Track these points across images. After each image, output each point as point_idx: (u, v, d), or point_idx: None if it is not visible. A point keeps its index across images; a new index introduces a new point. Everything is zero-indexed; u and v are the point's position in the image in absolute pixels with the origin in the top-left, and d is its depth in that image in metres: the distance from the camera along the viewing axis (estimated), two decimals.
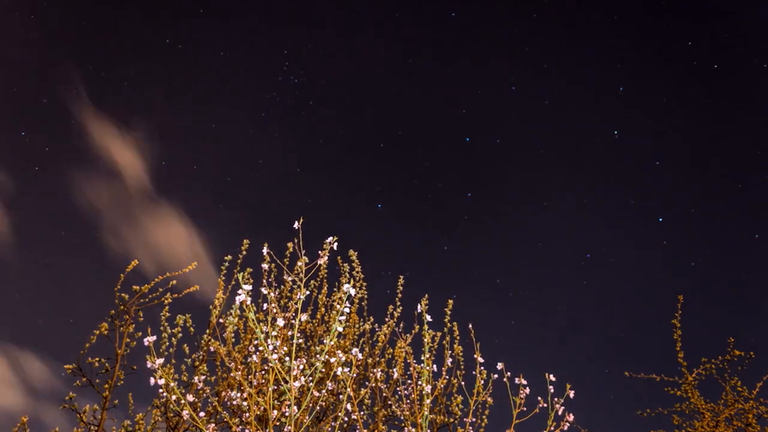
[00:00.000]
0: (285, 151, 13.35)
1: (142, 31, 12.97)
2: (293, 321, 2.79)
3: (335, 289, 4.19)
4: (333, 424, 3.75)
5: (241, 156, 13.27)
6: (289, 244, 3.87)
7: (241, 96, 13.21)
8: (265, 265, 3.00)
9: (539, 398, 2.80)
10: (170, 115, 13.09)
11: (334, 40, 13.24)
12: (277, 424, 2.83)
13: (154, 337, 2.53)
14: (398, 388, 3.83)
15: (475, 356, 2.94)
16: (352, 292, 2.74)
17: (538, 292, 12.77)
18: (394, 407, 3.83)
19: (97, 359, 3.62)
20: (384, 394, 3.99)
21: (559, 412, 2.77)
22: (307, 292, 2.66)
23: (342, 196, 13.49)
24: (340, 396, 3.78)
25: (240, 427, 3.12)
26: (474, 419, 3.16)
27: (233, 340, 3.71)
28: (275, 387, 2.75)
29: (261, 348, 2.85)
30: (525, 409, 2.81)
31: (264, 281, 2.93)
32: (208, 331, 3.92)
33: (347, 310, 2.74)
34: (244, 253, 3.91)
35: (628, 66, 12.35)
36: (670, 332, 5.28)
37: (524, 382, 2.82)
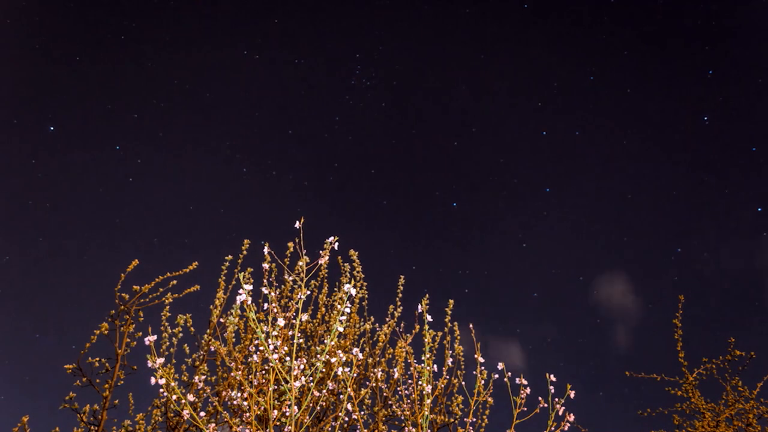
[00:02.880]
0: (361, 153, 13.53)
1: (222, 42, 13.23)
2: (294, 321, 2.79)
3: (336, 289, 4.19)
4: (333, 424, 3.74)
5: (320, 159, 13.44)
6: (290, 244, 3.87)
7: (316, 100, 13.38)
8: (265, 265, 3.00)
9: (540, 398, 2.80)
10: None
11: (404, 40, 13.36)
12: (278, 424, 2.82)
13: (155, 337, 2.52)
14: (399, 388, 3.83)
15: (476, 356, 2.94)
16: (353, 292, 2.74)
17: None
18: (394, 407, 3.82)
19: (97, 359, 3.62)
20: (384, 394, 3.99)
21: (560, 412, 2.77)
22: (308, 292, 2.66)
23: (421, 193, 13.65)
24: (341, 396, 3.78)
25: (240, 426, 3.12)
26: (474, 419, 3.16)
27: (234, 339, 3.71)
28: (276, 387, 2.75)
29: (261, 348, 2.85)
30: (525, 409, 2.81)
31: (264, 281, 2.93)
32: (208, 330, 3.92)
33: (348, 310, 2.74)
34: (245, 252, 3.91)
35: (717, 49, 12.22)
36: (671, 332, 5.27)
37: (525, 382, 2.82)
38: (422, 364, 3.01)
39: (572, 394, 2.77)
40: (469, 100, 13.62)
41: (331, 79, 13.54)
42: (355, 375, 3.76)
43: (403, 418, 3.74)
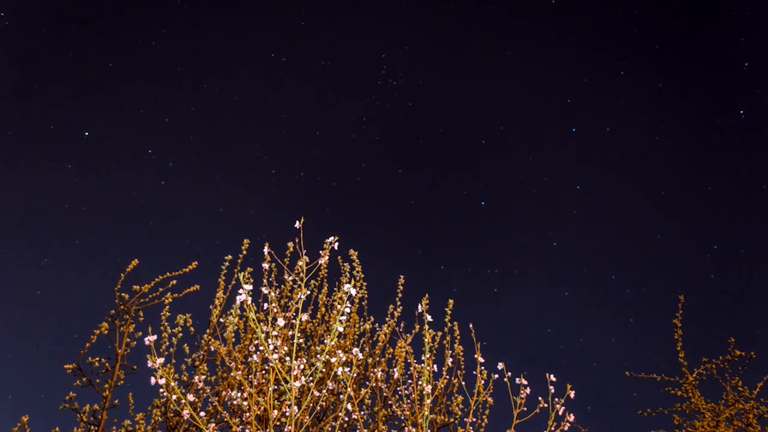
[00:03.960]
0: (388, 153, 13.65)
1: (250, 46, 13.37)
2: (294, 321, 2.79)
3: (336, 289, 4.19)
4: (333, 423, 3.74)
5: (347, 160, 13.57)
6: (290, 244, 3.87)
7: (343, 101, 13.46)
8: (265, 265, 3.00)
9: (540, 398, 2.80)
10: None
11: (430, 39, 13.40)
12: (278, 424, 2.82)
13: (155, 337, 2.52)
14: (398, 388, 3.83)
15: (476, 356, 2.94)
16: (353, 292, 2.74)
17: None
18: (394, 407, 3.82)
19: (97, 359, 3.62)
20: (384, 394, 3.99)
21: (560, 412, 2.77)
22: (308, 292, 2.66)
23: (449, 193, 13.66)
24: (341, 396, 3.78)
25: (240, 426, 3.12)
26: (474, 419, 3.16)
27: (234, 339, 3.71)
28: (275, 387, 2.75)
29: (261, 348, 2.85)
30: (525, 409, 2.81)
31: (264, 281, 2.93)
32: (208, 330, 3.92)
33: (348, 309, 2.74)
34: (245, 252, 3.91)
35: (753, 40, 12.01)
36: (671, 332, 5.28)
37: (525, 382, 2.82)
38: (422, 364, 3.01)
39: (572, 394, 2.77)
40: (497, 98, 13.56)
41: (357, 79, 13.59)
42: (355, 375, 3.76)
43: (403, 418, 3.74)
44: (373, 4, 13.65)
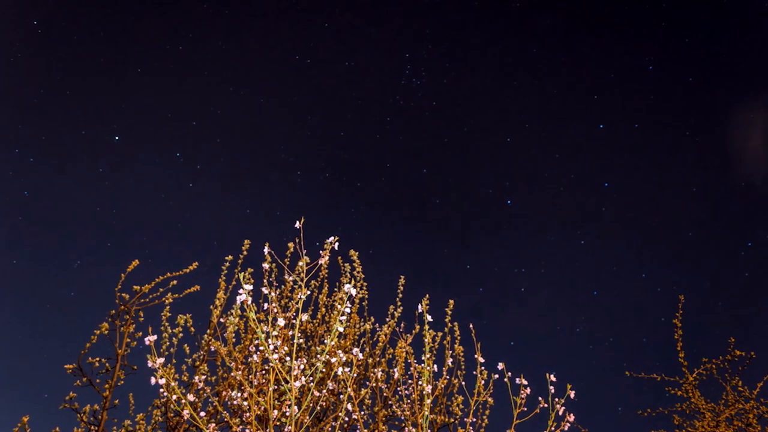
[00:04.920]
0: (411, 154, 13.65)
1: (275, 49, 13.43)
2: (294, 321, 2.79)
3: (336, 289, 4.19)
4: (333, 424, 3.74)
5: (372, 160, 13.63)
6: (290, 244, 3.87)
7: (367, 102, 13.52)
8: (265, 265, 3.00)
9: (540, 398, 2.80)
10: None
11: (453, 38, 13.37)
12: (278, 424, 2.82)
13: (155, 337, 2.53)
14: (399, 388, 3.83)
15: (476, 356, 2.94)
16: (353, 292, 2.74)
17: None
18: (394, 407, 3.83)
19: (97, 359, 3.62)
20: (384, 394, 3.99)
21: (560, 413, 2.77)
22: (308, 292, 2.66)
23: (474, 192, 13.57)
24: (341, 396, 3.78)
25: (240, 427, 3.12)
26: (474, 419, 3.16)
27: (234, 340, 3.71)
28: (276, 387, 2.75)
29: (262, 348, 2.85)
30: (525, 409, 2.81)
31: (265, 281, 2.93)
32: (208, 330, 3.92)
33: (348, 310, 2.74)
34: (245, 253, 3.91)
35: None
36: (671, 332, 5.28)
37: (525, 382, 2.82)
38: (422, 364, 3.01)
39: (572, 394, 2.77)
40: (522, 95, 13.41)
41: (381, 80, 13.57)
42: (355, 375, 3.76)
43: (403, 418, 3.74)
44: (396, 4, 13.64)
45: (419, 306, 3.02)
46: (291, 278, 2.86)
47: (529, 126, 13.27)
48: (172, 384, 2.59)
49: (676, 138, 12.83)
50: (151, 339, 2.50)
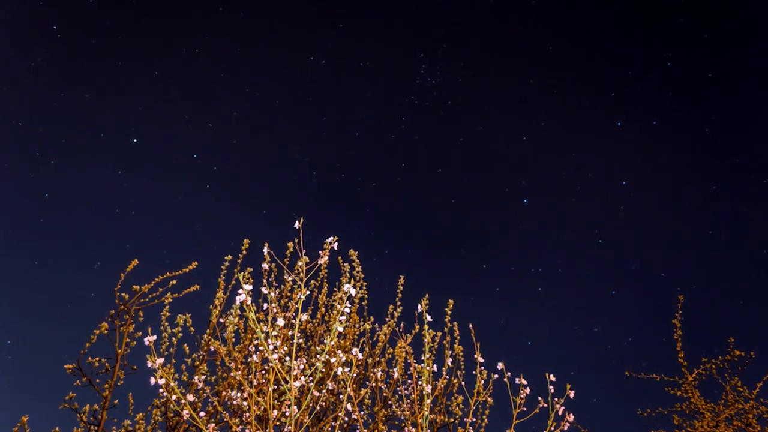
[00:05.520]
0: (428, 152, 13.62)
1: (290, 50, 13.47)
2: (293, 321, 2.79)
3: (335, 289, 4.19)
4: (333, 424, 3.74)
5: (387, 160, 13.60)
6: (290, 244, 3.87)
7: (382, 102, 13.52)
8: (265, 265, 3.00)
9: (539, 398, 2.80)
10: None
11: (468, 36, 13.29)
12: (277, 424, 2.82)
13: (155, 337, 2.52)
14: (398, 388, 3.83)
15: (476, 356, 2.94)
16: (353, 292, 2.74)
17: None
18: (394, 407, 3.82)
19: (97, 359, 3.62)
20: (384, 394, 3.99)
21: (560, 412, 2.77)
22: (308, 292, 2.66)
23: (490, 192, 13.42)
24: (341, 396, 3.78)
25: (240, 426, 3.12)
26: (474, 419, 3.16)
27: (233, 339, 3.71)
28: (275, 387, 2.75)
29: (261, 348, 2.85)
30: (525, 409, 2.81)
31: (264, 281, 2.93)
32: (208, 330, 3.92)
33: (347, 309, 2.74)
34: (245, 252, 3.91)
35: None
36: (671, 332, 5.28)
37: (524, 382, 2.82)
38: (422, 364, 3.01)
39: (572, 394, 2.77)
40: (538, 94, 13.28)
41: (396, 80, 13.56)
42: (354, 375, 3.76)
43: (403, 418, 3.74)
44: (410, 4, 13.61)
45: (419, 306, 3.02)
46: (290, 278, 2.86)
47: (545, 124, 13.14)
48: (172, 384, 2.59)
49: (695, 135, 12.58)
50: (150, 339, 2.50)
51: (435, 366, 3.11)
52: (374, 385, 3.99)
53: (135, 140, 12.43)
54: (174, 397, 2.70)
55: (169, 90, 13.03)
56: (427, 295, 3.16)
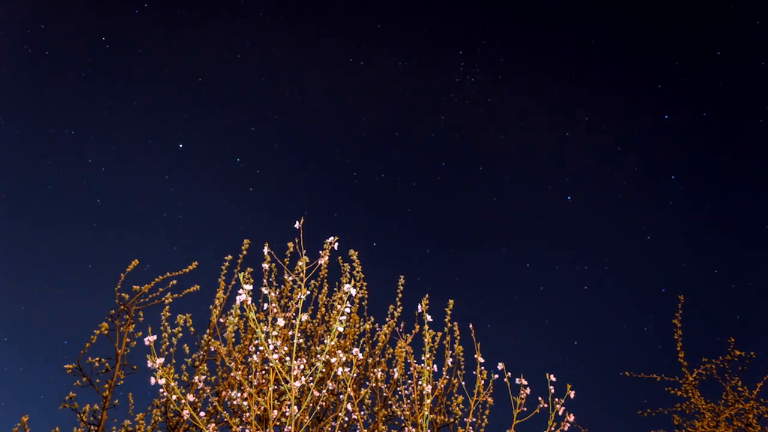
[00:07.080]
0: (469, 151, 13.54)
1: (329, 52, 13.52)
2: (294, 321, 2.79)
3: (336, 289, 4.19)
4: (333, 424, 3.74)
5: (427, 160, 13.55)
6: (290, 244, 3.87)
7: (421, 101, 13.48)
8: (265, 265, 3.00)
9: (540, 398, 2.79)
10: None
11: (506, 33, 13.15)
12: (278, 424, 2.82)
13: (155, 337, 2.52)
14: (398, 388, 3.83)
15: (476, 356, 2.94)
16: (353, 292, 2.74)
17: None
18: (394, 407, 3.82)
19: (97, 359, 3.62)
20: (384, 394, 3.99)
21: (560, 413, 2.77)
22: (308, 292, 2.66)
23: (534, 189, 13.21)
24: (341, 396, 3.78)
25: (240, 426, 3.12)
26: (474, 419, 3.16)
27: (233, 339, 3.71)
28: (275, 387, 2.75)
29: (261, 348, 2.85)
30: (525, 409, 2.81)
31: (264, 281, 2.93)
32: (208, 330, 3.92)
33: (348, 310, 2.74)
34: (245, 252, 3.91)
35: None
36: (671, 332, 5.27)
37: (525, 382, 2.82)
38: (422, 364, 3.01)
39: (572, 395, 2.77)
40: (579, 88, 12.89)
41: (435, 78, 13.44)
42: (354, 375, 3.76)
43: (403, 418, 3.74)
44: (447, 2, 13.46)
45: (419, 306, 3.02)
46: (290, 278, 2.86)
47: (589, 119, 12.70)
48: (172, 384, 2.59)
49: (747, 126, 12.07)
50: (150, 339, 2.50)
51: (435, 366, 3.11)
52: (374, 385, 3.99)
53: (181, 146, 12.67)
54: (174, 397, 2.70)
55: (211, 96, 13.25)
56: (427, 296, 3.15)
